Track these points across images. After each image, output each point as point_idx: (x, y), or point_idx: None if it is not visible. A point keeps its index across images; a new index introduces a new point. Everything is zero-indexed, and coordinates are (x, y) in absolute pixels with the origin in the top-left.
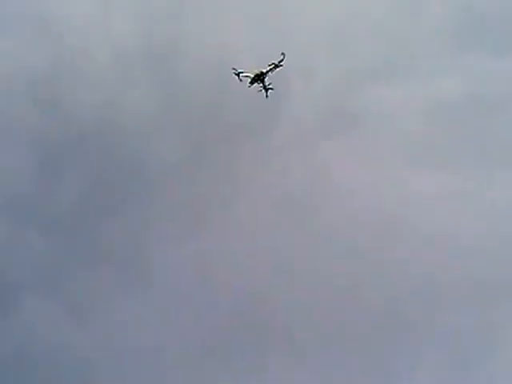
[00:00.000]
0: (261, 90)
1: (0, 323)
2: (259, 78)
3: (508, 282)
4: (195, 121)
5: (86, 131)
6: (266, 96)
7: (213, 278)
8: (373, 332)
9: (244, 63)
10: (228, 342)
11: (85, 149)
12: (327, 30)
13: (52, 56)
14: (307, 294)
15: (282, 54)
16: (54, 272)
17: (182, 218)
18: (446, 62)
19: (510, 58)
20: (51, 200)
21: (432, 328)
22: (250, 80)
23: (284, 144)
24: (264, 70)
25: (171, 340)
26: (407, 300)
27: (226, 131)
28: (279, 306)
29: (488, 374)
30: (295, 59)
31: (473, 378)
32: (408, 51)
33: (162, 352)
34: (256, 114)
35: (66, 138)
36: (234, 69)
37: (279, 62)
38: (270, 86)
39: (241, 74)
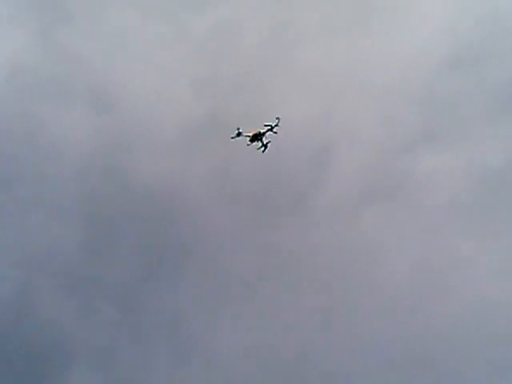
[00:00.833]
0: (260, 148)
1: None
2: (257, 137)
3: None
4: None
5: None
6: (263, 151)
7: None
8: None
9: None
10: None
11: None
12: (372, 95)
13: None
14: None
15: (277, 118)
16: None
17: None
18: (493, 127)
19: None
20: (107, 274)
21: None
22: (249, 138)
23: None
24: (262, 131)
25: None
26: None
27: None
28: None
29: None
30: (341, 126)
31: None
32: (454, 116)
33: None
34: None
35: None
36: (238, 128)
37: (275, 125)
38: (268, 141)
39: (240, 135)
